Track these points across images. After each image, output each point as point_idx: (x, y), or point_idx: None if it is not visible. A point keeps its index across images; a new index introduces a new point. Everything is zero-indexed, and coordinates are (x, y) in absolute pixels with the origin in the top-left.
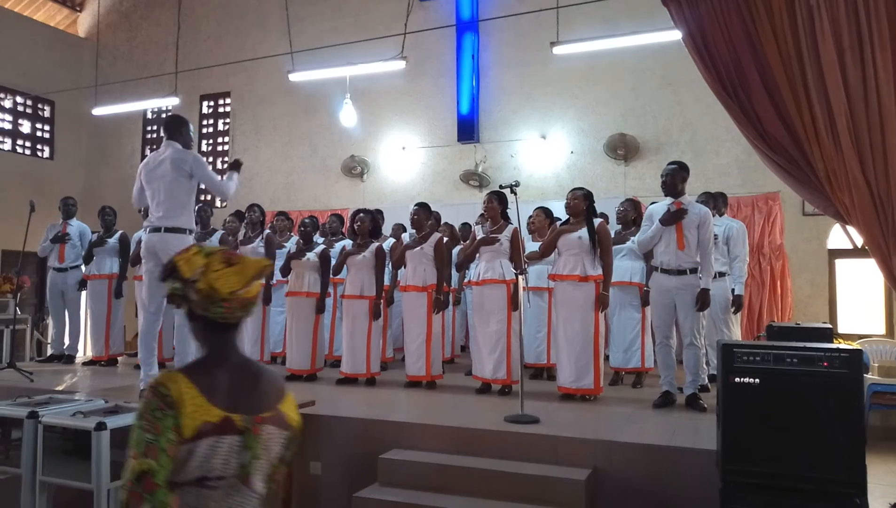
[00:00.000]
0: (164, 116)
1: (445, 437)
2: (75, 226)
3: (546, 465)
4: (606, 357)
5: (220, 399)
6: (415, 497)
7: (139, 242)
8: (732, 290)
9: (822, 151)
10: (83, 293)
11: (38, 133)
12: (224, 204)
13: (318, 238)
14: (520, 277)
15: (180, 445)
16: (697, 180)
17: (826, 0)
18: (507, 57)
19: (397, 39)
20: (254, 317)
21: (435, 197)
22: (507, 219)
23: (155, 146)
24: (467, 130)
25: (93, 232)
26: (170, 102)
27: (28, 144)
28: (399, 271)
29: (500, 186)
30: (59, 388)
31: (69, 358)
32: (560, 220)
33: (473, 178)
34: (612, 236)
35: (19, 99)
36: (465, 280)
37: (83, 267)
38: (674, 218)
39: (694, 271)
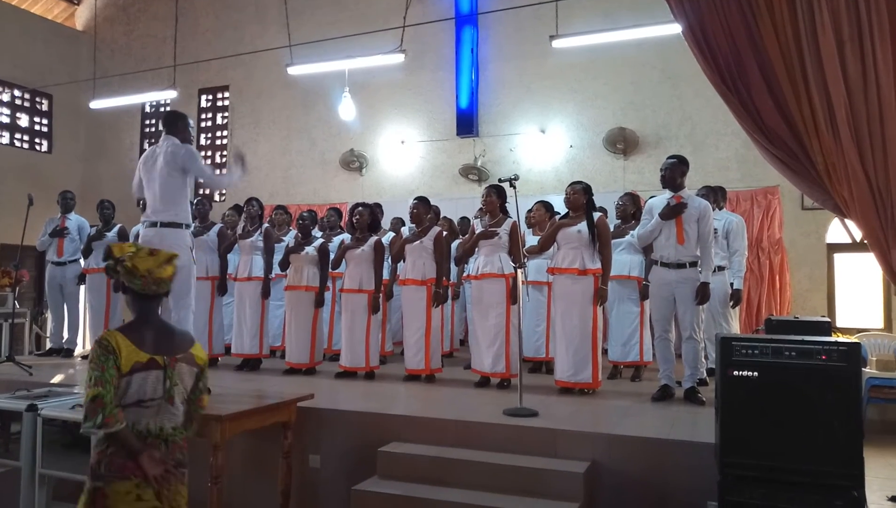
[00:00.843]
0: (162, 109)
1: (444, 430)
2: (74, 220)
3: (545, 458)
4: (605, 351)
5: (147, 347)
6: (414, 489)
7: (137, 235)
8: (731, 284)
9: (822, 144)
10: (82, 287)
11: (36, 127)
12: (223, 198)
13: (316, 232)
14: (519, 271)
15: (120, 378)
16: (697, 174)
17: None
18: (506, 51)
19: (396, 33)
20: (252, 311)
21: (434, 191)
22: (506, 213)
23: (153, 140)
24: (466, 123)
25: (91, 226)
26: (168, 96)
27: (26, 137)
28: (398, 265)
29: (500, 180)
30: (58, 381)
31: (68, 352)
32: (559, 214)
33: (472, 172)
34: (612, 229)
35: (17, 92)
36: (464, 274)
37: (82, 261)
38: (673, 212)
39: (694, 264)
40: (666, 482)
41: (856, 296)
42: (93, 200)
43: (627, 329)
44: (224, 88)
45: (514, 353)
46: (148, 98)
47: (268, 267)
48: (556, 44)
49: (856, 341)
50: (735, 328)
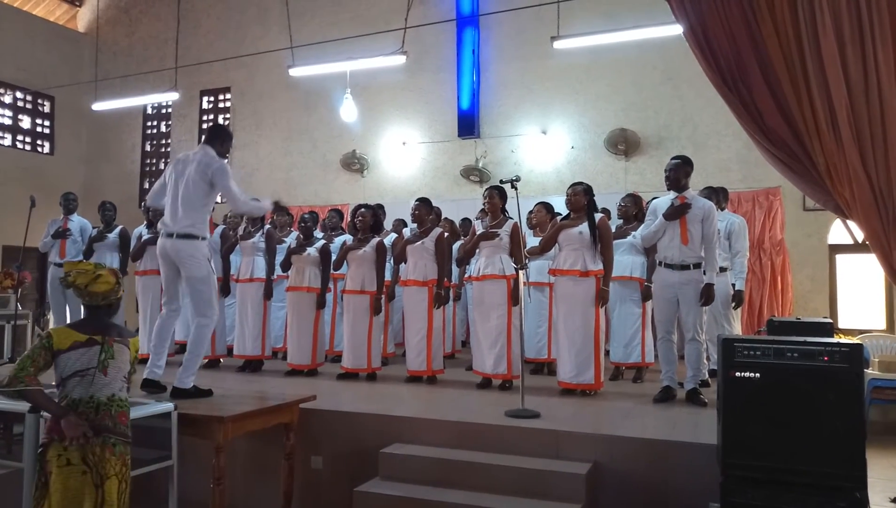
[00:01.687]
0: (166, 109)
1: (446, 432)
2: (76, 221)
3: (547, 459)
4: (607, 352)
5: (87, 331)
6: (416, 491)
7: (139, 237)
8: (733, 285)
9: (823, 145)
10: None
11: (38, 128)
12: (224, 200)
13: (317, 233)
14: (520, 272)
15: (58, 355)
16: (698, 175)
17: None
18: (507, 52)
19: (397, 34)
20: (254, 312)
21: (435, 192)
22: (507, 214)
23: (155, 141)
24: (468, 125)
25: (93, 227)
26: (170, 98)
27: (28, 139)
28: (400, 266)
29: (501, 182)
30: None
31: None
32: (561, 215)
33: (474, 173)
34: (613, 231)
35: (19, 94)
36: (466, 275)
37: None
38: (677, 213)
39: (697, 266)
40: (668, 483)
41: (858, 297)
42: (95, 201)
43: (629, 330)
44: (226, 90)
45: (515, 354)
46: (150, 100)
47: (270, 268)
48: (558, 45)
49: (858, 342)
50: (737, 329)
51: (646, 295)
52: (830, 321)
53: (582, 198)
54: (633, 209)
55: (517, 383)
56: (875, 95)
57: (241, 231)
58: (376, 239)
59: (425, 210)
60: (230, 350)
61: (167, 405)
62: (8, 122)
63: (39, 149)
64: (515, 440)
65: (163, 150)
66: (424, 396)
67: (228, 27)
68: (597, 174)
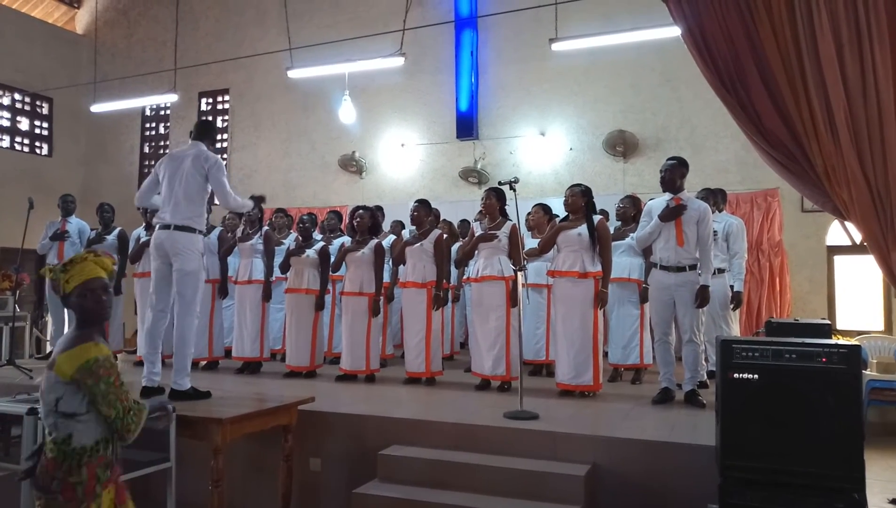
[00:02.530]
0: (164, 111)
1: (445, 433)
2: (74, 223)
3: (545, 461)
4: (605, 354)
5: None
6: (414, 492)
7: (138, 239)
8: (731, 286)
9: (821, 146)
10: None
11: (37, 130)
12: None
13: (316, 235)
14: (519, 273)
15: None
16: (696, 177)
17: None
18: (505, 54)
19: (396, 36)
20: (253, 314)
21: (434, 194)
22: (505, 216)
23: (154, 143)
24: (466, 126)
25: (91, 229)
26: (168, 99)
27: (26, 141)
28: (399, 268)
29: (500, 183)
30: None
31: None
32: (559, 216)
33: (472, 175)
34: (612, 232)
35: (17, 96)
36: (464, 277)
37: None
38: (673, 214)
39: (693, 267)
40: (666, 485)
41: (856, 298)
42: (93, 203)
43: (628, 332)
44: (224, 92)
45: (514, 356)
46: (148, 101)
47: (268, 270)
48: (556, 47)
49: (856, 343)
50: (735, 330)
51: (644, 297)
52: (829, 322)
53: (580, 199)
54: (632, 211)
55: (516, 384)
56: (873, 96)
57: (239, 233)
58: (375, 241)
59: (424, 212)
60: (228, 352)
61: None
62: (6, 123)
63: (38, 151)
64: (514, 441)
65: (161, 151)
66: (423, 397)
67: (227, 29)
68: (595, 176)
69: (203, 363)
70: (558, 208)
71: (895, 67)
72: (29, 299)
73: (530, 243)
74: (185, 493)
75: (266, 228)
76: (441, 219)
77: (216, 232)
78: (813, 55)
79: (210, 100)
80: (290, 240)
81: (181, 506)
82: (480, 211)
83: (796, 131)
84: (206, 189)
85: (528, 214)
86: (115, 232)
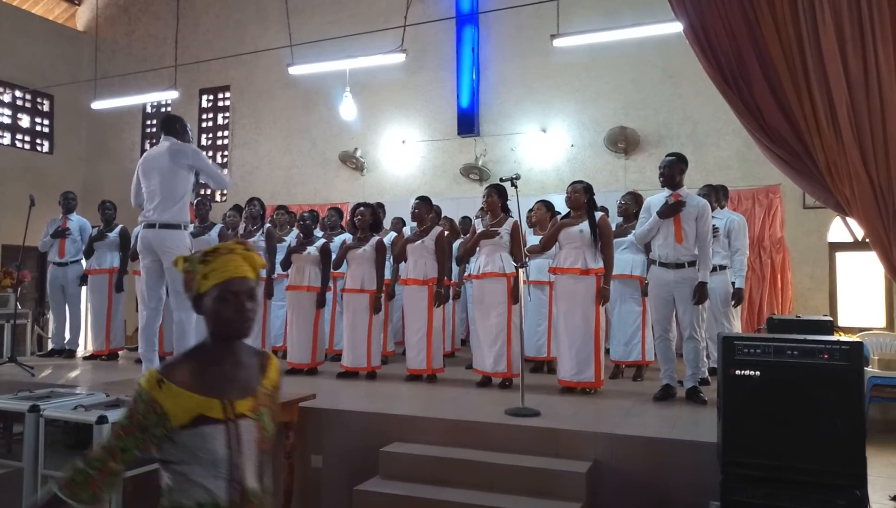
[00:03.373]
0: (164, 109)
1: (446, 430)
2: (75, 221)
3: (547, 458)
4: (607, 351)
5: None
6: (416, 489)
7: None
8: (733, 283)
9: (823, 142)
10: (83, 288)
11: (38, 127)
12: (224, 198)
13: (317, 232)
14: (520, 270)
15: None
16: (698, 173)
17: None
18: (507, 50)
19: (397, 32)
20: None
21: (435, 191)
22: (507, 212)
23: (155, 140)
24: (467, 123)
25: (93, 226)
26: (169, 96)
27: (27, 138)
28: (400, 265)
29: (501, 180)
30: (60, 382)
31: (70, 353)
32: (561, 213)
33: (474, 171)
34: (614, 229)
35: (18, 93)
36: (466, 274)
37: (83, 262)
38: (671, 210)
39: (692, 264)
40: (668, 481)
41: (858, 295)
42: (94, 200)
43: (630, 329)
44: (225, 88)
45: (515, 353)
46: (149, 98)
47: (270, 267)
48: (557, 43)
49: (858, 340)
50: (737, 327)
51: (646, 293)
52: (830, 318)
53: (582, 196)
54: (634, 207)
55: (517, 381)
56: (875, 92)
57: (241, 230)
58: (376, 238)
59: (425, 209)
60: None
61: None
62: (7, 120)
63: (39, 148)
64: (515, 438)
65: None
66: (424, 394)
67: (227, 25)
68: (596, 172)
69: None
70: (560, 205)
71: None
72: (30, 297)
73: (532, 239)
74: None
75: (268, 225)
76: (442, 216)
77: (216, 229)
78: (815, 51)
79: (211, 97)
80: (292, 237)
81: None
82: (482, 208)
83: (798, 127)
84: (187, 182)
85: (530, 210)
86: (117, 229)
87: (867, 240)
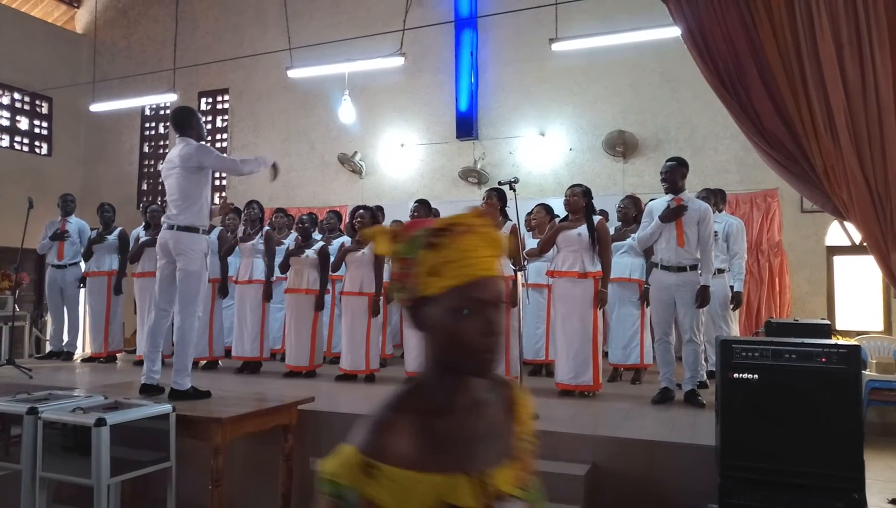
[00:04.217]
0: (164, 111)
1: None
2: (74, 223)
3: (545, 461)
4: (605, 354)
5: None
6: None
7: (137, 239)
8: (731, 287)
9: (821, 147)
10: (82, 290)
11: (36, 130)
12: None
13: (316, 235)
14: (519, 273)
15: None
16: (696, 177)
17: None
18: (505, 54)
19: (396, 36)
20: (253, 314)
21: (433, 194)
22: (506, 216)
23: (153, 143)
24: (466, 127)
25: (91, 229)
26: (168, 99)
27: (26, 140)
28: None
29: (500, 183)
30: (59, 384)
31: (68, 355)
32: (559, 217)
33: (472, 175)
34: (613, 232)
35: (17, 95)
36: None
37: (82, 264)
38: (673, 215)
39: (694, 267)
40: (666, 484)
41: (855, 299)
42: (93, 203)
43: (628, 332)
44: (224, 91)
45: (513, 356)
46: (148, 101)
47: (269, 270)
48: (556, 47)
49: (855, 343)
50: (735, 330)
51: (645, 297)
52: (828, 322)
53: (580, 200)
54: (633, 211)
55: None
56: (873, 96)
57: (240, 233)
58: None
59: (424, 212)
60: (228, 352)
61: (165, 407)
62: (6, 123)
63: (37, 150)
64: None
65: (161, 151)
66: None
67: (226, 29)
68: (595, 176)
69: (203, 362)
70: (558, 209)
71: (895, 68)
72: (28, 299)
73: (531, 243)
74: (185, 493)
75: (267, 228)
76: None
77: (216, 232)
78: (813, 55)
79: (209, 100)
80: (290, 240)
81: (181, 506)
82: None
83: (796, 132)
84: (201, 183)
85: (530, 214)
86: (116, 232)
87: (865, 244)
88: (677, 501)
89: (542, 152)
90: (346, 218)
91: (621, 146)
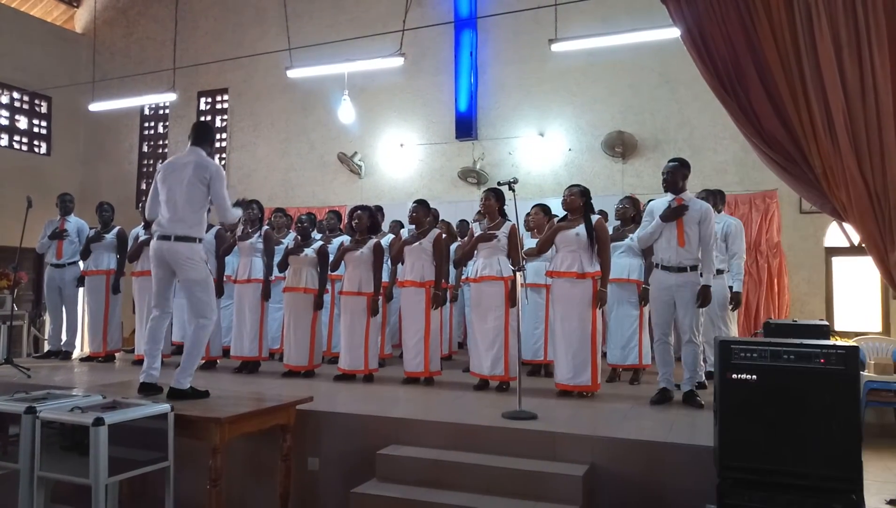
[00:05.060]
0: (163, 110)
1: (443, 433)
2: (73, 222)
3: (543, 461)
4: (604, 354)
5: None
6: (412, 492)
7: (136, 237)
8: (730, 287)
9: (820, 148)
10: (81, 289)
11: (36, 129)
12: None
13: (315, 235)
14: (518, 273)
15: None
16: (695, 178)
17: None
18: (505, 54)
19: (395, 36)
20: (252, 313)
21: (433, 194)
22: (504, 216)
23: (152, 142)
24: (465, 127)
25: (90, 228)
26: (167, 99)
27: (25, 140)
28: (398, 267)
29: (499, 183)
30: (57, 384)
31: (66, 354)
32: (558, 217)
33: (471, 175)
34: (611, 232)
35: (16, 95)
36: (463, 277)
37: (81, 263)
38: (674, 214)
39: (694, 268)
40: (664, 485)
41: (854, 300)
42: (92, 202)
43: (626, 332)
44: (223, 91)
45: (512, 356)
46: (147, 101)
47: (268, 269)
48: (555, 48)
49: (854, 344)
50: (734, 331)
51: (644, 297)
52: (827, 323)
53: (579, 200)
54: (632, 211)
55: (514, 384)
56: (871, 98)
57: (238, 232)
58: (373, 240)
59: (423, 212)
60: (227, 352)
61: (164, 407)
62: (5, 122)
63: (36, 149)
64: (512, 441)
65: (160, 151)
66: (421, 397)
67: (226, 28)
68: (594, 176)
69: (201, 362)
70: (557, 209)
71: (894, 70)
72: (27, 298)
73: (530, 243)
74: (184, 493)
75: (266, 227)
76: (440, 219)
77: (213, 231)
78: (812, 57)
79: (209, 99)
80: (289, 239)
81: (179, 506)
82: (479, 211)
83: (795, 133)
84: (207, 197)
85: (528, 214)
86: (114, 231)
87: (863, 245)
88: (676, 501)
89: (542, 153)
90: (345, 218)
91: (620, 147)
